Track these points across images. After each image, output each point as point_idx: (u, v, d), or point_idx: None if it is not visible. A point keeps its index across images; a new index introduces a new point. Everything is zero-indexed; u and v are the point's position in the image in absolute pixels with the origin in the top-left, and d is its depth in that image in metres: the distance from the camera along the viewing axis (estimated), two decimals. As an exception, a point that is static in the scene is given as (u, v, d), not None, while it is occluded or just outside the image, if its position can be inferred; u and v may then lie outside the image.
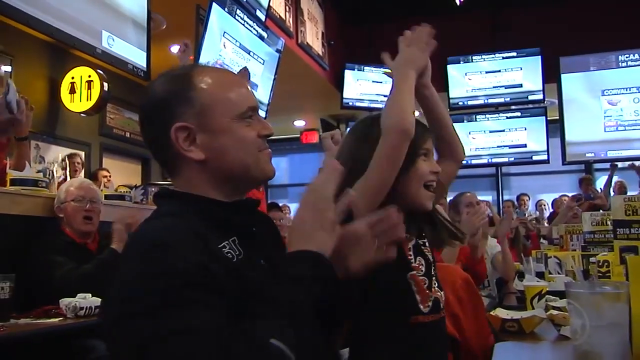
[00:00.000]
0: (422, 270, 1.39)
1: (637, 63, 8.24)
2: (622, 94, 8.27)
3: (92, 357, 2.36)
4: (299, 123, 10.26)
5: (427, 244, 1.45)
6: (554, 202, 8.24)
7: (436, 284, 1.42)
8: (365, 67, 8.91)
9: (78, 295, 2.37)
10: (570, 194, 8.30)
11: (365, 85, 8.92)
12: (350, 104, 8.81)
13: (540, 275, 2.92)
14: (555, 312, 1.71)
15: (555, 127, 8.58)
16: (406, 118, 1.32)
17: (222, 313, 0.87)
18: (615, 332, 0.92)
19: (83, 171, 6.17)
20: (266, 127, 1.10)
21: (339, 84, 8.80)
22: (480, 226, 2.81)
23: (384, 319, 1.31)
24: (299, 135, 10.31)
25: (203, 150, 1.05)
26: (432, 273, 1.42)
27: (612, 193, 7.43)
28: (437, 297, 1.40)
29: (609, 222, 2.77)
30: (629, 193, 7.35)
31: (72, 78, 6.01)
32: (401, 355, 1.32)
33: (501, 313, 1.78)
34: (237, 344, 0.82)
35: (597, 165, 9.30)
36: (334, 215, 0.98)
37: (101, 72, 5.92)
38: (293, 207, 8.87)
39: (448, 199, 3.62)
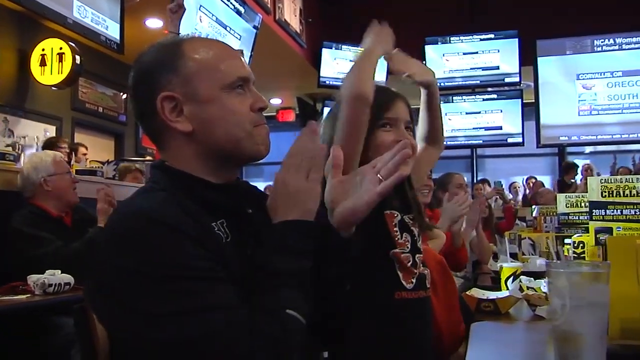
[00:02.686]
0: (407, 247, 1.37)
1: (612, 48, 8.31)
2: (597, 78, 8.35)
3: (60, 335, 2.31)
4: (275, 101, 10.17)
5: (414, 218, 1.43)
6: (526, 184, 8.34)
7: (421, 262, 1.40)
8: (343, 46, 8.83)
9: (47, 271, 2.31)
10: (538, 177, 8.44)
11: (343, 64, 8.83)
12: (327, 82, 8.73)
13: (513, 256, 2.94)
14: (530, 292, 1.72)
15: (531, 110, 8.64)
16: (361, 84, 1.34)
17: (231, 286, 0.89)
18: (594, 312, 0.91)
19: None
20: (260, 99, 1.06)
21: (316, 62, 8.71)
22: (462, 214, 2.78)
23: (366, 294, 1.29)
24: (275, 114, 10.23)
25: (190, 122, 1.01)
26: (417, 249, 1.40)
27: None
28: (422, 274, 1.38)
29: (583, 204, 2.80)
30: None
31: (43, 50, 5.83)
32: (383, 330, 1.31)
33: (477, 293, 1.77)
34: (259, 317, 0.87)
35: (570, 149, 9.43)
36: (318, 174, 0.99)
37: (73, 44, 5.76)
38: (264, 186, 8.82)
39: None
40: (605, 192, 1.82)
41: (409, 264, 1.36)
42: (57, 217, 2.78)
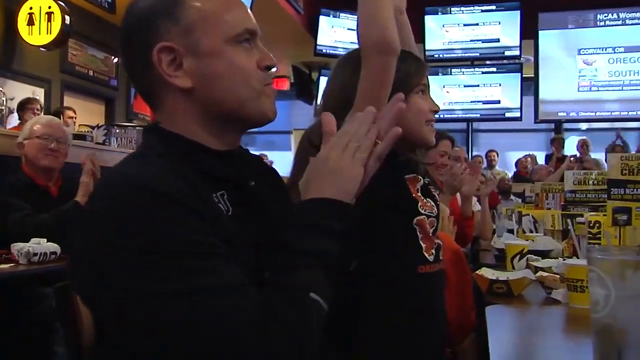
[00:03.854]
0: (433, 212, 1.27)
1: (615, 23, 8.15)
2: (598, 53, 8.20)
3: (45, 305, 2.22)
4: (270, 69, 9.99)
5: (429, 183, 1.34)
6: (517, 162, 8.25)
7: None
8: (341, 14, 8.62)
9: (32, 240, 2.22)
10: (530, 152, 8.34)
11: (340, 33, 8.64)
12: (324, 51, 8.55)
13: (510, 232, 2.87)
14: (545, 274, 1.63)
15: (529, 85, 8.52)
16: (388, 32, 1.16)
17: (236, 263, 0.80)
18: (641, 305, 0.81)
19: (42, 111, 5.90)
20: (267, 56, 0.95)
21: (313, 30, 8.51)
22: (459, 186, 2.71)
23: (390, 269, 1.20)
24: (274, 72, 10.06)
25: (190, 77, 0.89)
26: (439, 216, 1.31)
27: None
28: (439, 244, 1.29)
29: (590, 182, 2.71)
30: (592, 154, 7.41)
31: (30, 8, 5.64)
32: (406, 309, 1.22)
33: (487, 273, 1.68)
34: (276, 298, 0.78)
35: (566, 125, 9.33)
36: (363, 154, 0.88)
37: (62, 3, 5.56)
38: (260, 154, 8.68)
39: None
40: (625, 169, 1.72)
41: (432, 231, 1.26)
42: (42, 187, 2.68)
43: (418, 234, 1.23)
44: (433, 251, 1.26)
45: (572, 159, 6.63)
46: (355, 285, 1.13)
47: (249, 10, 0.96)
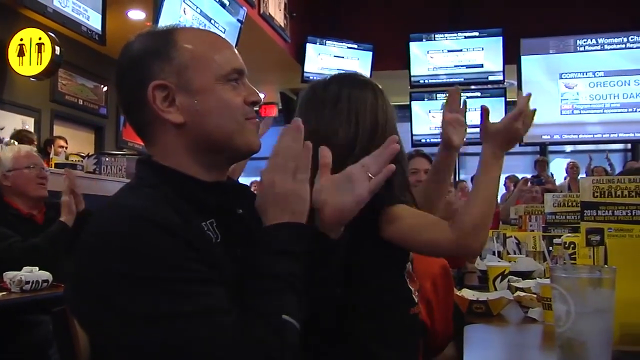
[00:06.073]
0: (409, 257, 1.31)
1: (594, 48, 8.37)
2: (579, 77, 8.42)
3: (38, 334, 2.24)
4: (259, 96, 10.08)
5: None
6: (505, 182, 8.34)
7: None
8: (327, 41, 8.78)
9: (24, 268, 2.24)
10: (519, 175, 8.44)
11: (327, 60, 8.79)
12: (311, 78, 8.66)
13: (496, 254, 2.92)
14: (522, 294, 1.69)
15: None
16: (480, 238, 1.20)
17: (223, 289, 0.85)
18: (600, 320, 0.87)
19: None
20: (253, 93, 1.02)
21: (300, 58, 8.66)
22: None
23: (386, 315, 1.23)
24: (257, 109, 10.14)
25: (182, 113, 0.96)
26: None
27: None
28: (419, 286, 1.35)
29: (570, 204, 2.78)
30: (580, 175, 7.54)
31: (21, 40, 5.70)
32: (404, 348, 1.25)
33: (467, 294, 1.74)
34: (253, 322, 0.84)
35: (551, 148, 9.49)
36: (305, 174, 0.96)
37: (53, 34, 5.64)
38: (249, 181, 8.74)
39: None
40: (597, 192, 1.80)
41: (412, 273, 1.30)
42: (27, 215, 2.70)
43: (406, 279, 1.27)
44: (416, 292, 1.30)
45: (522, 181, 6.62)
46: (346, 316, 1.16)
47: (236, 51, 1.04)
